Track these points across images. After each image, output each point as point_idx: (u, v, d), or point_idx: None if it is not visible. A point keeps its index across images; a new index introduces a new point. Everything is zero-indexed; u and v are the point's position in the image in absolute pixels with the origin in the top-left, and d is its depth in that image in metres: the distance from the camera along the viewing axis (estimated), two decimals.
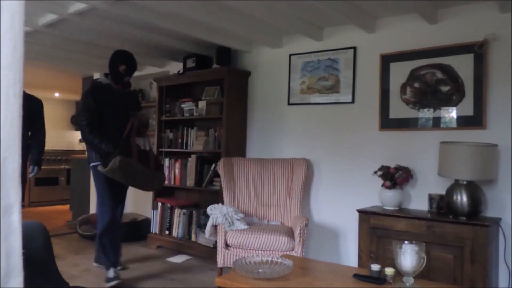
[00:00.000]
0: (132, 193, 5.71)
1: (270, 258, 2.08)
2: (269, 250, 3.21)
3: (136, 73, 5.67)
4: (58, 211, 7.00)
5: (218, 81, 4.38)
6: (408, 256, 1.86)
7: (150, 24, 3.70)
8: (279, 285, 1.86)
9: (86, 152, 3.43)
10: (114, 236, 3.47)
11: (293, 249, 3.19)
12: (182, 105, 4.72)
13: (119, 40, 4.26)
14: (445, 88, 3.22)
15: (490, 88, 3.04)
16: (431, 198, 3.13)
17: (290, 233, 3.29)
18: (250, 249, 3.25)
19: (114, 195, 3.45)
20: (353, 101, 3.67)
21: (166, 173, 4.83)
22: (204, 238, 4.09)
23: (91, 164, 3.45)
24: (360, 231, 3.15)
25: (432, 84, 3.27)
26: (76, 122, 3.18)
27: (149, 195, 5.05)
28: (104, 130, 3.29)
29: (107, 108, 3.33)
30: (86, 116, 3.21)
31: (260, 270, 1.96)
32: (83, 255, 4.31)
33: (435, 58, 3.25)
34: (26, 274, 0.65)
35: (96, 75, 5.83)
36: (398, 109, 3.42)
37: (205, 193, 4.63)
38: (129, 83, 3.57)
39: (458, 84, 3.16)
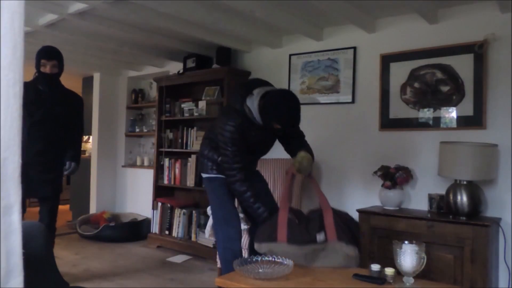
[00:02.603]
0: (132, 193, 5.71)
1: (270, 258, 2.08)
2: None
3: (136, 73, 5.70)
4: (58, 211, 6.99)
5: (218, 81, 4.38)
6: (408, 256, 1.86)
7: (150, 24, 3.70)
8: (279, 285, 1.85)
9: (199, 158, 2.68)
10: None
11: None
12: (182, 105, 4.72)
13: (119, 40, 4.26)
14: (445, 88, 3.22)
15: (490, 88, 3.03)
16: (431, 198, 3.13)
17: None
18: (246, 249, 3.25)
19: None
20: (353, 101, 3.67)
21: (166, 173, 4.83)
22: (204, 238, 4.09)
23: (205, 176, 2.65)
24: (360, 231, 3.15)
25: (432, 84, 3.27)
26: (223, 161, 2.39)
27: (149, 195, 5.05)
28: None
29: (250, 147, 2.44)
30: (237, 158, 2.33)
31: (260, 270, 1.96)
32: (83, 255, 4.31)
33: (435, 58, 3.25)
34: (26, 274, 0.65)
35: (96, 76, 5.83)
36: (398, 109, 3.42)
37: (205, 193, 4.61)
38: None
39: (458, 84, 3.15)
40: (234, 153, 2.33)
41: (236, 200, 2.60)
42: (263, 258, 2.08)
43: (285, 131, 2.45)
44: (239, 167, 2.34)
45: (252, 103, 2.32)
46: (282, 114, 2.26)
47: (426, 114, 3.30)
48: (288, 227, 2.18)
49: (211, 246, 4.11)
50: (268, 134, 2.48)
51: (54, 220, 3.33)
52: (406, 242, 1.94)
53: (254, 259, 2.08)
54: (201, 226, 4.36)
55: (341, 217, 2.25)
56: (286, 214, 2.21)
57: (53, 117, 3.07)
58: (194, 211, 4.48)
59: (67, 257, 4.21)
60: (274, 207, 2.56)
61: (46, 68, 3.01)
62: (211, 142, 2.55)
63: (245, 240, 3.15)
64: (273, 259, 2.07)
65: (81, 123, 3.38)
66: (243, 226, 3.35)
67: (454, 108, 3.18)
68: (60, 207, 3.31)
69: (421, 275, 1.99)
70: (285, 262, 2.02)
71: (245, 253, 3.03)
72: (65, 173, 3.25)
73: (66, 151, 3.23)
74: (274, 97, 2.29)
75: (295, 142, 2.57)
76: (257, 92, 2.32)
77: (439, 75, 3.24)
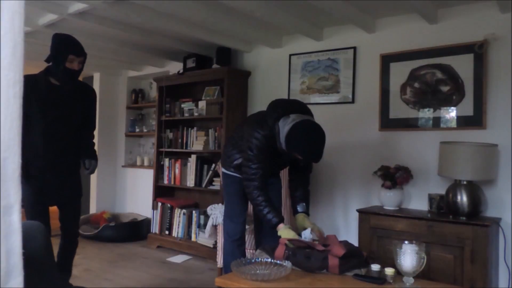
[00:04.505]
0: (132, 193, 5.71)
1: (269, 260, 2.08)
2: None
3: (136, 73, 5.70)
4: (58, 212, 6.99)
5: (218, 81, 4.38)
6: (408, 256, 1.86)
7: (150, 24, 3.69)
8: (280, 285, 1.85)
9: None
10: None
11: None
12: (182, 105, 4.72)
13: (119, 40, 4.26)
14: (445, 88, 3.22)
15: (490, 88, 3.03)
16: (431, 198, 3.13)
17: None
18: (250, 249, 3.25)
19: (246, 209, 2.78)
20: (353, 101, 3.67)
21: (166, 173, 4.83)
22: (204, 238, 4.09)
23: (223, 170, 2.77)
24: (360, 231, 3.15)
25: (432, 84, 3.27)
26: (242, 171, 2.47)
27: (149, 195, 5.05)
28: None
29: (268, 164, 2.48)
30: (258, 165, 2.37)
31: (258, 271, 1.95)
32: (83, 255, 4.31)
33: (435, 58, 3.25)
34: (26, 274, 0.65)
35: (96, 75, 5.83)
36: (398, 109, 3.42)
37: (205, 193, 4.63)
38: None
39: (458, 84, 3.15)
40: (257, 159, 2.37)
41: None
42: (262, 260, 2.08)
43: (303, 162, 2.48)
44: (258, 173, 2.36)
45: (283, 127, 2.28)
46: (307, 148, 2.24)
47: (426, 114, 3.30)
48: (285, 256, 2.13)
49: (211, 246, 4.11)
50: (284, 157, 2.48)
51: (78, 226, 3.07)
52: (406, 242, 1.94)
53: (253, 260, 2.08)
54: (201, 226, 4.36)
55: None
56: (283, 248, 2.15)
57: (70, 114, 2.75)
58: (194, 211, 4.48)
59: None
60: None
61: (73, 65, 2.61)
62: (235, 142, 2.61)
63: (249, 240, 3.15)
64: (272, 261, 2.06)
65: (95, 117, 3.09)
66: (247, 226, 3.35)
67: (454, 108, 3.18)
68: None
69: (421, 275, 1.99)
70: (284, 264, 2.01)
71: (249, 253, 3.03)
72: (87, 173, 2.94)
73: (82, 148, 2.94)
74: (303, 130, 2.24)
75: (298, 177, 2.61)
76: (293, 119, 2.28)
77: (439, 75, 3.24)
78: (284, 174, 3.76)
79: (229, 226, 2.75)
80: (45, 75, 2.66)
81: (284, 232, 2.29)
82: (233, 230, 2.73)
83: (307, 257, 2.07)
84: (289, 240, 2.19)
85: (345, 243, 2.17)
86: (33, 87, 2.58)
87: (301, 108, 2.45)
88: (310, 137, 2.23)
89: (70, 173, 2.84)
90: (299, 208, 2.56)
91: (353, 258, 2.06)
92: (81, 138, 2.90)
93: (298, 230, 2.42)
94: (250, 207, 3.70)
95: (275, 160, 2.50)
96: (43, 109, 2.62)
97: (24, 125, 2.40)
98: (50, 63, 2.66)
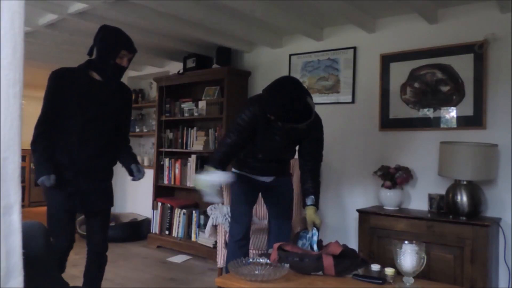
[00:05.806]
0: (132, 193, 5.71)
1: (266, 260, 2.07)
2: (269, 250, 3.20)
3: (136, 73, 5.70)
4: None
5: (218, 81, 4.38)
6: (408, 256, 1.86)
7: (150, 24, 3.70)
8: (279, 285, 1.85)
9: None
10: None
11: None
12: (182, 105, 4.72)
13: None
14: (445, 88, 3.22)
15: (490, 88, 3.03)
16: (431, 198, 3.13)
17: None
18: (250, 249, 3.25)
19: (251, 210, 2.72)
20: (353, 101, 3.67)
21: (166, 173, 4.83)
22: (204, 238, 4.09)
23: (233, 170, 2.70)
24: (360, 231, 3.15)
25: (432, 84, 3.27)
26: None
27: (149, 195, 5.05)
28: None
29: (260, 142, 2.41)
30: (231, 141, 2.34)
31: (256, 272, 1.95)
32: (83, 255, 4.30)
33: (435, 58, 3.25)
34: (26, 274, 0.65)
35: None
36: (398, 109, 3.42)
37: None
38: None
39: (458, 84, 3.16)
40: (238, 130, 2.30)
41: (255, 199, 2.71)
42: (259, 260, 2.07)
43: (289, 133, 2.34)
44: (231, 141, 2.32)
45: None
46: (275, 104, 2.04)
47: (426, 114, 3.30)
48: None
49: (211, 246, 4.11)
50: (281, 137, 2.38)
51: (107, 238, 2.72)
52: (406, 242, 1.94)
53: (249, 261, 2.07)
54: (201, 226, 4.36)
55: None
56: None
57: (109, 114, 2.45)
58: (194, 211, 4.48)
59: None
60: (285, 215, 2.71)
61: (123, 61, 2.39)
62: None
63: (252, 240, 3.15)
64: (270, 262, 2.05)
65: (130, 121, 2.78)
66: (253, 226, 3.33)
67: (454, 108, 3.18)
68: None
69: (421, 275, 1.99)
70: (282, 264, 2.00)
71: (252, 255, 3.02)
72: (136, 179, 2.69)
73: (122, 153, 2.69)
74: (273, 84, 2.09)
75: (308, 166, 2.59)
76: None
77: (439, 75, 3.24)
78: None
79: (232, 226, 2.74)
80: (86, 69, 2.42)
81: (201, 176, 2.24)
82: (236, 230, 2.71)
83: (301, 259, 2.03)
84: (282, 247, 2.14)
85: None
86: (72, 81, 2.34)
87: (297, 83, 2.21)
88: (279, 90, 2.06)
89: (104, 180, 2.58)
90: (308, 201, 2.49)
91: (348, 258, 2.03)
92: (117, 141, 2.62)
93: (308, 224, 2.41)
94: (256, 209, 3.66)
95: (268, 137, 2.37)
96: (81, 106, 2.33)
97: (59, 122, 2.23)
98: (93, 57, 2.42)
